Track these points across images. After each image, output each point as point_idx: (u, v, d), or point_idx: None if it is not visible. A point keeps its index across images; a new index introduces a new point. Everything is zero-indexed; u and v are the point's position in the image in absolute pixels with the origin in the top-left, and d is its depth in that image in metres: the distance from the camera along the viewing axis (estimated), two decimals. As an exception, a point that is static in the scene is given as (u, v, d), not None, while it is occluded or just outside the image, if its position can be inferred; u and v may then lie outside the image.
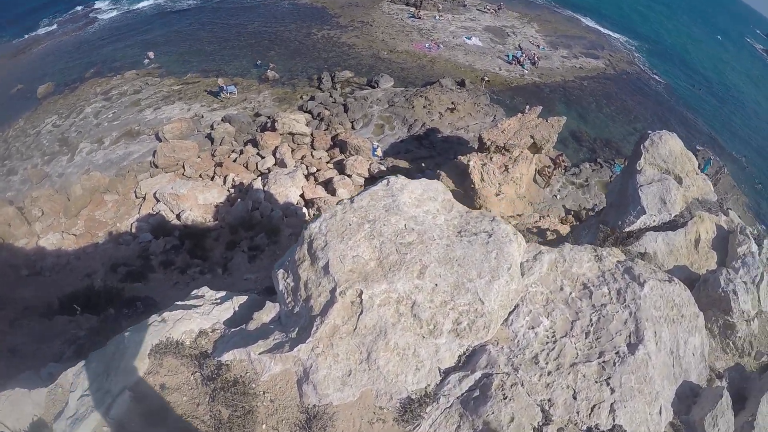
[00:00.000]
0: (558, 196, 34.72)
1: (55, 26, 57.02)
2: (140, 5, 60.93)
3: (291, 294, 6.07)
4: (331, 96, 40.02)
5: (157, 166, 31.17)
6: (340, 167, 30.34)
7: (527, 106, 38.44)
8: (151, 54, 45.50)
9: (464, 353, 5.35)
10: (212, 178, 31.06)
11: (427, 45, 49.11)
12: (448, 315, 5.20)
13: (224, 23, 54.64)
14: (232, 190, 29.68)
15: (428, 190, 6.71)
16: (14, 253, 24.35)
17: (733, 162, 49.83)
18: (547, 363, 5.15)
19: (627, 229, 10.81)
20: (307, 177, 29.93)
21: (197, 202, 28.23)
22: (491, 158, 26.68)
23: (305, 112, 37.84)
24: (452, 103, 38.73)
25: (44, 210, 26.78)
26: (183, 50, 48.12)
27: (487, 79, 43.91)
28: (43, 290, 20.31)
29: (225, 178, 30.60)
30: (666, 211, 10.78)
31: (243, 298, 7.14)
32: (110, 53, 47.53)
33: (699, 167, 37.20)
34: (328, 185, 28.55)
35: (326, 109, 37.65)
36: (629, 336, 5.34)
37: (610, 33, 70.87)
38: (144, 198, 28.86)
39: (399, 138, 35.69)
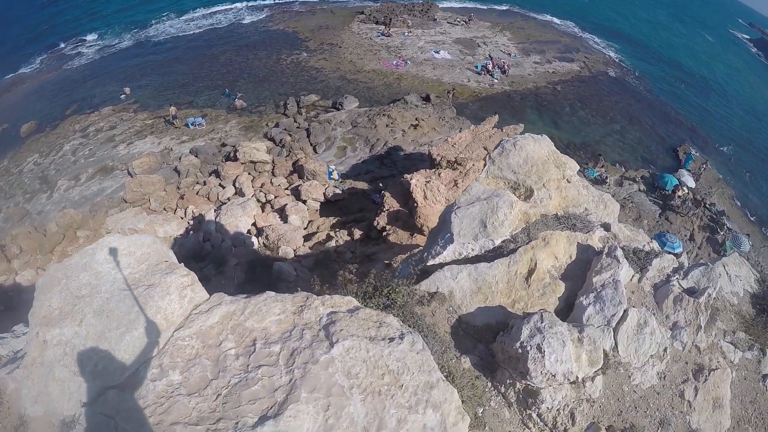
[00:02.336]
0: (526, 206, 34.11)
1: (38, 64, 58.68)
2: (120, 40, 62.18)
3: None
4: (295, 121, 40.06)
5: (126, 201, 31.40)
6: (297, 193, 30.11)
7: (496, 115, 38.25)
8: (127, 89, 46.15)
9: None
10: (175, 211, 31.09)
11: (394, 62, 49.15)
12: (92, 359, 5.43)
13: (198, 54, 55.25)
14: (191, 222, 29.63)
15: (131, 245, 6.64)
16: (-7, 289, 24.89)
17: (717, 155, 49.23)
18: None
19: (431, 263, 9.32)
20: (264, 205, 29.82)
21: (157, 236, 28.12)
22: (439, 174, 26.24)
23: (269, 139, 37.79)
24: (416, 119, 38.49)
25: (22, 247, 27.16)
26: (157, 84, 48.79)
27: (452, 91, 43.65)
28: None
29: (185, 210, 30.61)
30: (486, 236, 9.38)
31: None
32: (90, 90, 48.54)
33: (681, 163, 36.55)
34: (283, 212, 28.28)
35: (289, 134, 37.62)
36: (271, 408, 4.48)
37: (586, 35, 70.78)
38: (109, 233, 28.98)
39: (361, 159, 35.48)
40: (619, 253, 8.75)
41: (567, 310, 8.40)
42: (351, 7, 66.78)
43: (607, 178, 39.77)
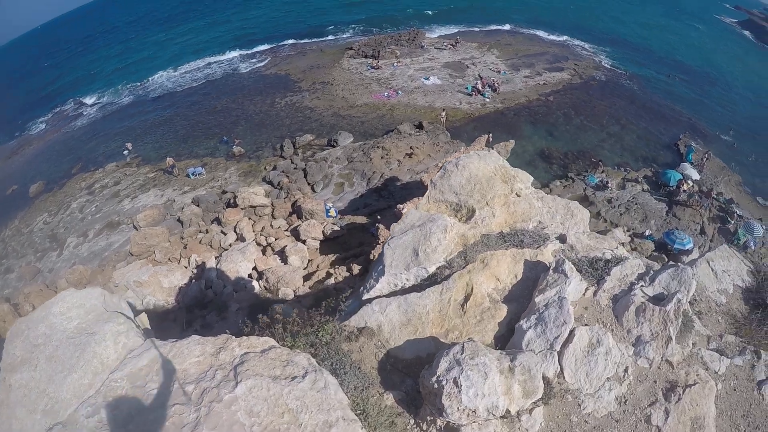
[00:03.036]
0: (527, 221, 33.99)
1: (44, 125, 62.40)
2: (120, 97, 64.89)
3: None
4: (292, 162, 40.67)
5: (132, 254, 32.04)
6: (296, 233, 30.42)
7: (490, 135, 38.47)
8: (129, 145, 47.86)
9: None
10: (179, 261, 31.59)
11: (385, 94, 49.91)
12: (43, 399, 5.94)
13: (196, 105, 57.13)
14: (195, 271, 30.11)
15: (82, 298, 7.19)
16: (7, 348, 25.55)
17: (719, 143, 48.81)
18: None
19: (365, 297, 8.96)
20: (264, 248, 30.14)
21: (161, 286, 28.87)
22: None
23: (267, 182, 38.40)
24: (410, 148, 38.86)
25: (35, 305, 27.64)
26: (158, 137, 50.48)
27: (444, 115, 44.04)
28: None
29: (189, 259, 31.10)
30: (418, 265, 8.95)
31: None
32: (94, 148, 50.82)
33: (683, 157, 36.11)
34: (283, 254, 28.57)
35: (286, 176, 38.19)
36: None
37: (575, 42, 71.21)
38: (117, 286, 29.66)
39: (359, 193, 35.83)
40: (568, 266, 8.21)
41: (509, 335, 7.89)
42: (340, 44, 68.38)
43: (608, 182, 39.54)
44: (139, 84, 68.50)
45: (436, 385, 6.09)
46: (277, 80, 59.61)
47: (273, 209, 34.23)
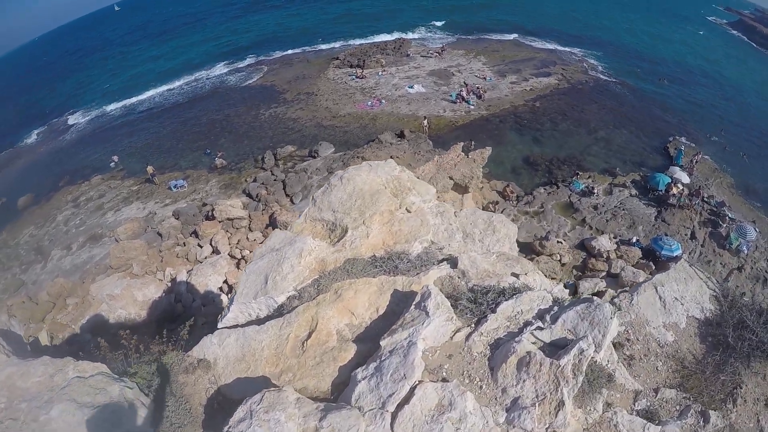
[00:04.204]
0: (509, 230, 33.30)
1: (35, 138, 63.10)
2: (109, 111, 65.56)
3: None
4: (272, 174, 40.22)
5: (111, 267, 31.69)
6: (271, 247, 29.83)
7: (472, 143, 37.93)
8: (115, 158, 47.80)
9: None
10: (155, 274, 31.34)
11: (369, 103, 49.45)
12: None
13: (181, 118, 56.99)
14: (169, 284, 29.95)
15: None
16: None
17: (710, 144, 48.19)
18: None
19: (220, 326, 8.20)
20: (238, 261, 29.74)
21: (135, 300, 28.81)
22: (405, 211, 25.77)
23: (246, 194, 37.94)
24: (390, 157, 38.24)
25: (17, 316, 27.90)
26: (144, 150, 50.28)
27: (426, 123, 43.51)
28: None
29: (164, 272, 30.87)
30: (265, 294, 8.00)
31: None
32: (82, 160, 50.91)
33: (672, 160, 35.58)
34: (255, 268, 28.00)
35: (265, 188, 37.72)
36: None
37: (563, 48, 70.66)
38: (95, 299, 29.59)
39: (337, 203, 35.17)
40: (432, 301, 6.72)
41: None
42: (326, 55, 68.00)
43: (594, 188, 38.89)
44: (129, 99, 68.57)
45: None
46: (262, 92, 59.29)
47: (250, 221, 33.87)
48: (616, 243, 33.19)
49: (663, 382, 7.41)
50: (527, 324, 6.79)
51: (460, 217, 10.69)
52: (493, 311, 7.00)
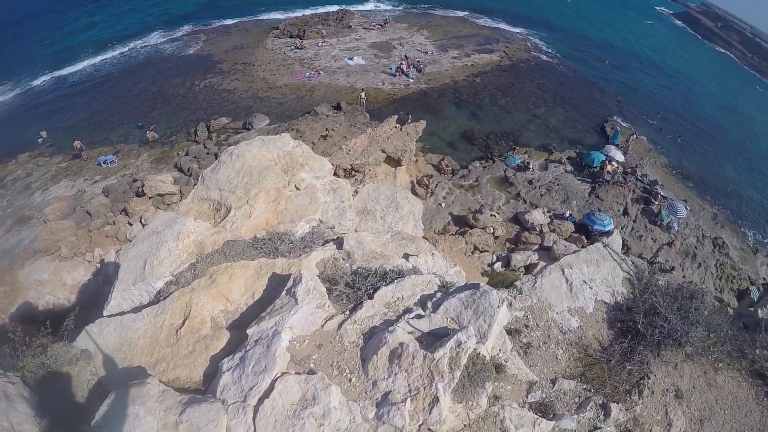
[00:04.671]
0: (443, 204, 33.31)
1: None
2: (38, 82, 60.43)
3: None
4: (205, 147, 38.70)
5: (40, 251, 29.78)
6: (199, 222, 28.71)
7: (409, 116, 37.42)
8: (43, 133, 44.48)
9: None
10: (84, 256, 29.76)
11: (307, 74, 48.11)
12: None
13: (114, 89, 53.59)
14: (98, 266, 28.40)
15: None
16: None
17: (647, 126, 49.83)
18: None
19: (105, 314, 7.58)
20: (165, 239, 28.39)
21: (64, 284, 27.09)
22: (333, 184, 25.19)
23: (178, 169, 36.38)
24: (326, 129, 37.37)
25: None
26: (73, 124, 46.99)
27: (363, 96, 42.74)
28: None
29: (93, 253, 29.38)
30: (143, 280, 7.46)
31: None
32: (8, 136, 46.51)
33: (609, 139, 36.31)
34: (181, 244, 26.89)
35: (197, 162, 36.14)
36: None
37: (510, 28, 70.75)
38: (23, 286, 27.80)
39: (269, 177, 34.17)
40: (303, 287, 6.26)
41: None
42: (266, 24, 65.50)
43: (530, 163, 39.32)
44: (60, 70, 63.88)
45: (93, 432, 4.61)
46: (198, 62, 56.61)
47: (181, 197, 32.48)
48: (550, 217, 33.72)
49: (563, 371, 6.97)
50: (407, 311, 6.31)
51: (362, 193, 10.23)
52: (371, 297, 6.53)
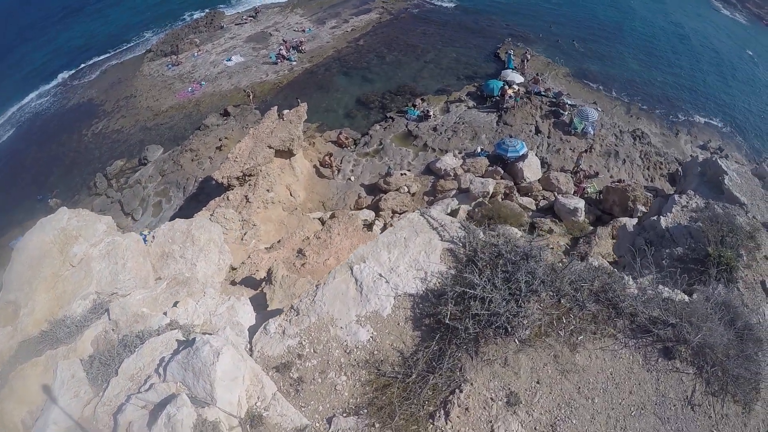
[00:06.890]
0: (353, 178, 33.20)
1: None
2: None
3: None
4: (108, 197, 37.48)
5: None
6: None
7: (298, 100, 36.80)
8: None
9: None
10: None
11: (189, 89, 46.69)
12: None
13: (4, 165, 50.23)
14: None
15: None
16: None
17: (540, 41, 49.99)
18: None
19: None
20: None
21: None
22: (228, 198, 24.74)
23: (82, 230, 34.99)
24: (219, 140, 36.66)
25: None
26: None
27: (249, 93, 41.83)
28: None
29: None
30: None
31: None
32: None
33: (504, 65, 36.23)
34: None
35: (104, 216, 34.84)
36: None
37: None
38: None
39: (177, 207, 33.61)
40: (58, 380, 5.87)
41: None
42: (138, 51, 62.62)
43: (429, 111, 39.37)
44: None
45: None
46: (80, 109, 53.72)
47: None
48: (462, 158, 33.90)
49: (343, 405, 5.91)
50: (148, 380, 5.83)
51: (158, 236, 9.82)
52: (116, 373, 6.12)
